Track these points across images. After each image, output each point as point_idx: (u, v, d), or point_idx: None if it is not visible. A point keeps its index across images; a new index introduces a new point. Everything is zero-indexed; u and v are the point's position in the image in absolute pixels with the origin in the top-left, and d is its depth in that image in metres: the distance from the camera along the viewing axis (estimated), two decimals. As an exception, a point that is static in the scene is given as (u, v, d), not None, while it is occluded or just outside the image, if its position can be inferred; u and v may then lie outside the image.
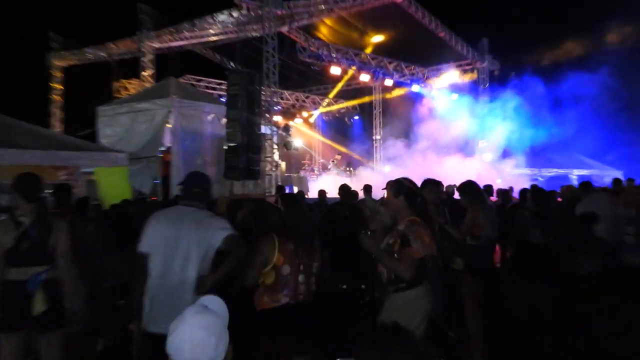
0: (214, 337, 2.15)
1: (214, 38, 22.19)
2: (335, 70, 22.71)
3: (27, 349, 4.22)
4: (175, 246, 4.11)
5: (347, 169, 26.45)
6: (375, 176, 21.79)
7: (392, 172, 23.15)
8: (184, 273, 4.09)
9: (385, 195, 4.62)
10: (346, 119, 31.87)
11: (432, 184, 6.43)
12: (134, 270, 4.15)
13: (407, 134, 26.67)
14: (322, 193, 11.25)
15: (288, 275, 4.37)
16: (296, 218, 4.56)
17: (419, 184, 5.13)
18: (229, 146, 16.13)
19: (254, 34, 20.00)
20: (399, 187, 4.48)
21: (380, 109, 29.43)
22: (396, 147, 26.10)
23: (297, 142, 26.31)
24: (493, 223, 6.29)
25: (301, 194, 12.40)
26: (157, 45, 22.46)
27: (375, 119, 29.63)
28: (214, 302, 2.33)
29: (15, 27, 29.70)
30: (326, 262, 4.76)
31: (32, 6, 33.24)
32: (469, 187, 6.54)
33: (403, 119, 26.86)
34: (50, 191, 6.61)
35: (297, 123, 29.35)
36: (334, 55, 22.32)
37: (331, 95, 29.88)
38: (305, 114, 30.18)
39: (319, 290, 4.57)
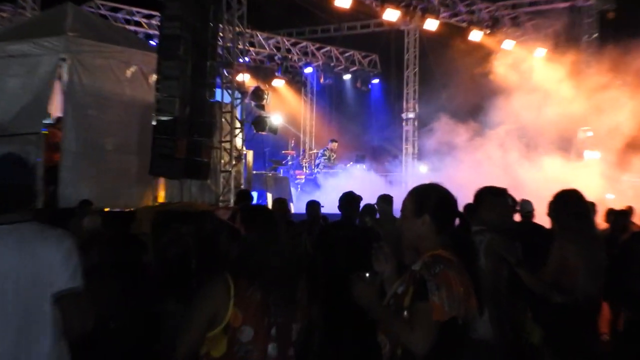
0: None
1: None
2: (341, 0, 22.79)
3: None
4: None
5: (354, 165, 26.58)
6: (402, 179, 21.72)
7: (432, 174, 23.25)
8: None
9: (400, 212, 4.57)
10: (359, 83, 32.04)
11: (492, 196, 6.50)
12: None
13: (459, 111, 26.74)
14: (313, 206, 11.30)
15: (250, 343, 4.38)
16: (267, 247, 4.55)
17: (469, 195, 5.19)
18: (159, 121, 16.19)
19: None
20: (423, 198, 4.33)
21: (416, 69, 29.73)
22: (441, 132, 26.31)
23: (275, 119, 26.38)
24: (598, 267, 6.32)
25: (281, 205, 12.31)
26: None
27: (406, 84, 29.98)
28: None
29: None
30: (315, 321, 4.83)
31: None
32: (562, 202, 6.59)
33: (454, 86, 27.14)
34: None
35: (276, 87, 29.47)
36: None
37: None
38: (290, 72, 30.35)
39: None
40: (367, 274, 4.26)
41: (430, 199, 4.29)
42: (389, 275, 4.27)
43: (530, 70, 26.61)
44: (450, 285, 3.99)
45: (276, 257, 4.55)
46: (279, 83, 29.80)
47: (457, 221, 4.43)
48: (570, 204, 6.52)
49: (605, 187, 21.76)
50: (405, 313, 4.04)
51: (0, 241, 4.14)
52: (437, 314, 3.91)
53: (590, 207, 10.24)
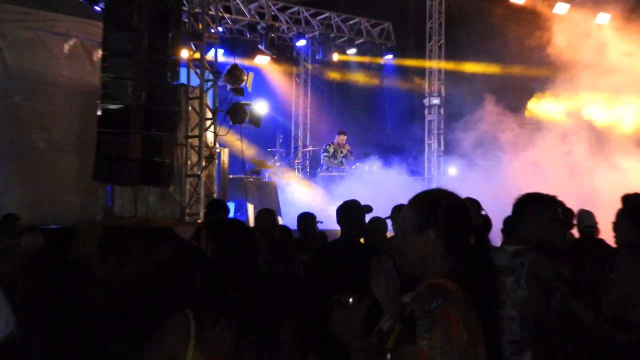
0: None
1: None
2: None
3: None
4: None
5: (362, 164, 26.68)
6: (424, 185, 21.72)
7: (464, 177, 23.34)
8: None
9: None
10: (367, 60, 31.86)
11: (536, 206, 6.45)
12: None
13: (500, 95, 26.75)
14: (305, 220, 11.35)
15: None
16: (240, 274, 4.59)
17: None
18: (106, 111, 16.27)
19: None
20: (427, 208, 4.11)
21: (442, 40, 29.92)
22: (475, 122, 26.29)
23: (259, 107, 26.58)
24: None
25: (265, 219, 11.98)
26: None
27: (430, 60, 30.04)
28: None
29: None
30: None
31: None
32: (631, 210, 6.55)
33: (492, 63, 27.47)
34: None
35: (260, 66, 29.46)
36: None
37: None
38: (278, 47, 30.12)
39: None
40: (351, 298, 4.11)
41: (437, 209, 4.05)
42: (387, 301, 4.14)
43: (597, 42, 26.39)
44: (449, 327, 3.77)
45: (253, 286, 4.57)
46: (263, 60, 29.38)
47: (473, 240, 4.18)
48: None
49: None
50: (389, 357, 3.79)
51: None
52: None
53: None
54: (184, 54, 18.49)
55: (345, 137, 27.52)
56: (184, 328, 4.32)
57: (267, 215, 11.55)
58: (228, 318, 4.41)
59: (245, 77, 24.02)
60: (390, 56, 31.38)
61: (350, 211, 9.11)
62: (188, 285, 5.17)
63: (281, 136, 29.28)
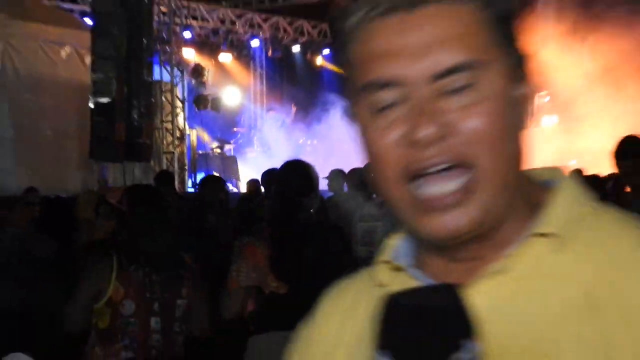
0: None
1: None
2: None
3: None
4: None
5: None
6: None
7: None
8: None
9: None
10: (309, 55, 32.02)
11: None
12: None
13: None
14: (253, 185, 11.68)
15: (131, 316, 4.65)
16: (151, 225, 4.81)
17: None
18: (96, 104, 16.56)
19: None
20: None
21: None
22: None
23: (224, 96, 26.84)
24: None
25: (211, 186, 11.46)
26: None
27: None
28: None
29: None
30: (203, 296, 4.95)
31: None
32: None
33: None
34: None
35: (223, 63, 29.63)
36: None
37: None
38: (236, 46, 30.32)
39: (189, 344, 4.77)
40: None
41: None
42: None
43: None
44: (247, 257, 4.29)
45: (161, 239, 4.77)
46: (225, 58, 29.52)
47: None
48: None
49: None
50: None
51: None
52: (231, 283, 4.30)
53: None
54: (157, 55, 18.62)
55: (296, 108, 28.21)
56: (108, 268, 4.61)
57: (212, 182, 11.46)
58: (140, 260, 4.68)
59: (206, 72, 24.36)
60: (327, 51, 31.56)
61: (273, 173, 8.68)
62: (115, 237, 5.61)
63: (243, 118, 29.42)
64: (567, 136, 23.82)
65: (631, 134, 6.79)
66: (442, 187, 1.16)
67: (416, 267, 1.31)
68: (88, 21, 19.52)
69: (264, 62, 32.34)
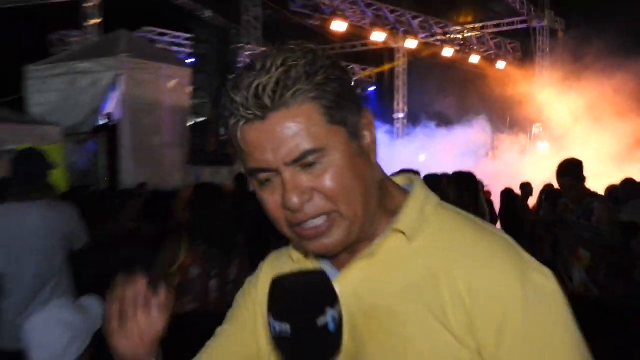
0: (69, 333, 2.59)
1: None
2: (338, 25, 22.69)
3: None
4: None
5: None
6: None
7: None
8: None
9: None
10: (358, 90, 31.40)
11: None
12: None
13: (438, 111, 26.99)
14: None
15: (196, 278, 4.77)
16: (213, 217, 4.92)
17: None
18: (195, 122, 16.85)
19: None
20: None
21: (406, 78, 29.09)
22: (424, 127, 26.55)
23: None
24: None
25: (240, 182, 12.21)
26: (106, -14, 22.79)
27: (397, 92, 29.33)
28: (91, 303, 2.83)
29: None
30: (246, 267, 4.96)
31: None
32: None
33: (433, 91, 27.07)
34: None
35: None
36: (338, 4, 22.45)
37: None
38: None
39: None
40: None
41: None
42: None
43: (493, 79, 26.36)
44: None
45: (217, 223, 4.89)
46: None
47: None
48: None
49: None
50: None
51: (26, 212, 4.61)
52: None
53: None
54: None
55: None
56: (181, 241, 4.82)
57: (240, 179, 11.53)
58: (202, 238, 4.81)
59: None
60: (372, 88, 31.15)
61: None
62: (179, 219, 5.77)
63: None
64: (556, 159, 23.40)
65: (572, 157, 6.83)
66: (313, 223, 1.34)
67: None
68: (189, 61, 19.41)
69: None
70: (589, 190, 6.56)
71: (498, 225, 9.69)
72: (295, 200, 1.29)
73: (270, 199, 1.35)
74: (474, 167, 19.26)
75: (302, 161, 1.28)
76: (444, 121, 26.52)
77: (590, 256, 6.13)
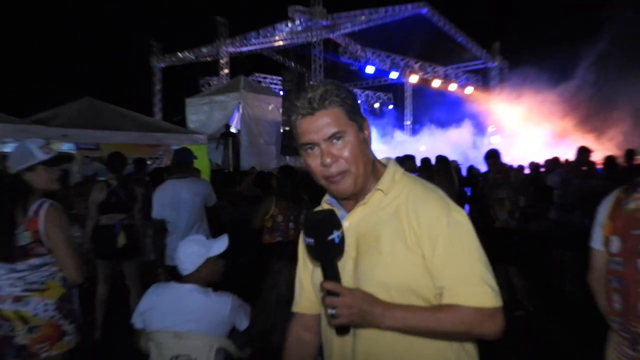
0: (203, 249, 2.63)
1: (275, 43, 22.39)
2: (369, 69, 22.49)
3: (113, 271, 4.83)
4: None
5: None
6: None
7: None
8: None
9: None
10: (381, 109, 30.79)
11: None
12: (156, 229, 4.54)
13: (432, 119, 26.30)
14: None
15: (281, 222, 4.65)
16: (290, 185, 4.81)
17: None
18: (284, 130, 16.71)
19: (307, 39, 20.08)
20: None
21: (411, 100, 28.27)
22: (427, 129, 25.71)
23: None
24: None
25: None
26: (231, 49, 22.87)
27: (406, 108, 28.47)
28: (222, 238, 2.77)
29: (125, 36, 30.46)
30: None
31: (138, 20, 34.54)
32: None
33: (428, 107, 26.46)
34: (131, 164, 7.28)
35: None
36: (369, 57, 22.34)
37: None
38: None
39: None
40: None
41: None
42: None
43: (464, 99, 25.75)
44: None
45: (291, 188, 4.80)
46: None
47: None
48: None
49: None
50: None
51: (183, 184, 4.57)
52: None
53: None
54: None
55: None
56: (271, 201, 4.73)
57: None
58: (283, 197, 4.76)
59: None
60: (391, 106, 30.46)
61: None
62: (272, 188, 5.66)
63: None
64: (504, 148, 22.87)
65: (493, 147, 6.96)
66: (336, 177, 1.43)
67: (338, 204, 1.55)
68: (281, 93, 19.44)
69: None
70: (505, 165, 6.98)
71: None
72: (328, 160, 1.39)
73: (314, 162, 1.42)
74: (460, 154, 18.94)
75: (332, 138, 1.39)
76: (438, 125, 25.58)
77: (510, 204, 6.31)
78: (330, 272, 1.33)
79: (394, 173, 1.50)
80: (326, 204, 1.58)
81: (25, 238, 2.38)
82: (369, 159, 1.47)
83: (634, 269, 1.75)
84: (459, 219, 1.38)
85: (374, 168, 1.50)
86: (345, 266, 1.40)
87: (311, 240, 1.33)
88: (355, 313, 1.29)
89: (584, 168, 6.98)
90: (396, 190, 1.45)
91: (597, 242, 1.94)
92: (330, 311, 1.30)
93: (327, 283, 1.31)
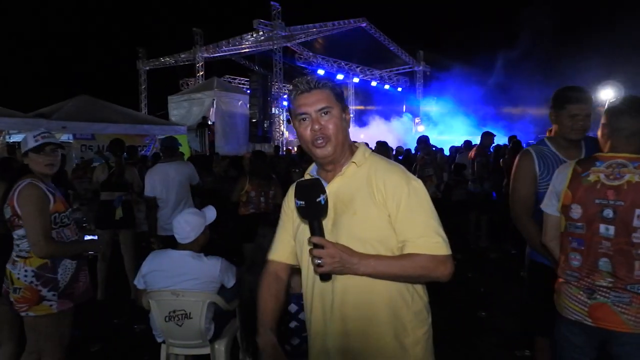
0: (202, 219, 2.57)
1: (243, 50, 21.81)
2: (320, 72, 21.88)
3: (112, 240, 4.59)
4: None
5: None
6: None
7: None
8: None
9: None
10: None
11: None
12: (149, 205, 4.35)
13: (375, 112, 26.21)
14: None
15: (254, 197, 4.43)
16: (261, 165, 4.56)
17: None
18: (251, 121, 16.28)
19: (269, 47, 19.68)
20: None
21: (353, 97, 27.47)
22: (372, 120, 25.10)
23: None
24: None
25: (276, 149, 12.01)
26: (205, 55, 22.06)
27: (350, 104, 28.21)
28: (210, 208, 2.69)
29: (116, 45, 31.35)
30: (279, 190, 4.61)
31: (127, 30, 33.34)
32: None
33: (368, 103, 26.24)
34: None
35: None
36: (319, 62, 22.03)
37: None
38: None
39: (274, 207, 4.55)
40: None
41: None
42: None
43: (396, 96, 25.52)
44: None
45: (262, 168, 4.53)
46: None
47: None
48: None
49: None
50: None
51: (171, 166, 4.38)
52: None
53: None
54: (273, 104, 18.05)
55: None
56: (245, 179, 4.46)
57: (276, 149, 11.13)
58: (255, 177, 4.46)
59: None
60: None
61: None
62: (245, 169, 5.37)
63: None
64: (429, 134, 23.01)
65: (423, 134, 7.18)
66: (321, 142, 1.39)
67: (318, 174, 1.50)
68: (248, 91, 18.77)
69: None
70: (433, 147, 7.38)
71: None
72: (316, 127, 1.38)
73: (305, 130, 1.40)
74: (398, 140, 18.87)
75: (321, 112, 1.38)
76: (381, 117, 25.24)
77: (436, 179, 6.46)
78: (317, 229, 1.30)
79: (364, 151, 1.48)
80: (309, 175, 1.53)
81: (7, 212, 2.29)
82: (347, 136, 1.45)
83: (595, 232, 1.70)
84: (417, 186, 1.39)
85: (350, 146, 1.48)
86: (326, 225, 1.37)
87: (302, 202, 1.30)
88: (337, 262, 1.28)
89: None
90: (367, 164, 1.44)
91: (551, 208, 1.84)
92: (316, 261, 1.28)
93: (314, 238, 1.29)
